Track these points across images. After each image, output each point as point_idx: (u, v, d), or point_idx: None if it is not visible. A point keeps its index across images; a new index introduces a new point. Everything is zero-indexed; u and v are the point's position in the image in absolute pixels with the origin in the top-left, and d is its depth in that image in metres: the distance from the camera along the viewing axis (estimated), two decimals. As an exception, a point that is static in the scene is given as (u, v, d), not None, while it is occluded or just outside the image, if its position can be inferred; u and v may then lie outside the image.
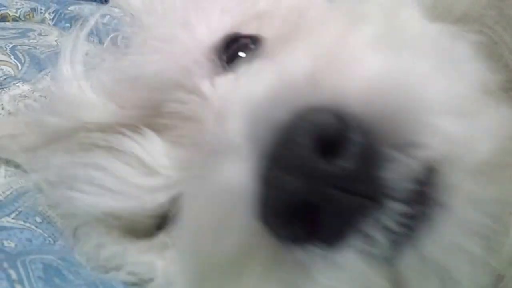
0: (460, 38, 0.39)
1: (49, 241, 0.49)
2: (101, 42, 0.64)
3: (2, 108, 0.62)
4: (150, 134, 0.45)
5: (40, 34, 0.89)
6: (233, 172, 0.31)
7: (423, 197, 0.30)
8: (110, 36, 0.63)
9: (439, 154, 0.30)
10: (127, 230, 0.46)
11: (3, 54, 0.76)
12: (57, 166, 0.48)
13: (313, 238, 0.29)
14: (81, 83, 0.50)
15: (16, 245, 0.48)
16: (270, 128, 0.30)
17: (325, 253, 0.30)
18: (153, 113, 0.46)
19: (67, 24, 1.01)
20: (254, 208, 0.30)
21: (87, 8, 1.09)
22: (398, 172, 0.29)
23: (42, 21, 1.03)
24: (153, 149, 0.44)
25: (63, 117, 0.49)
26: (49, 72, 0.70)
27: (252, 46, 0.44)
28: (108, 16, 0.74)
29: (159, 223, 0.44)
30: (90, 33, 0.62)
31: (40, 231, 0.50)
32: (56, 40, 0.86)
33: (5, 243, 0.48)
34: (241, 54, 0.43)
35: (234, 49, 0.44)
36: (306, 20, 0.44)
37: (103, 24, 0.70)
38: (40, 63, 0.75)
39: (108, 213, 0.45)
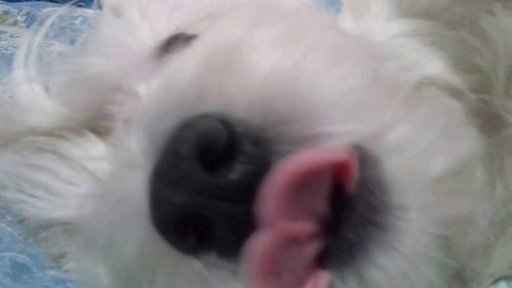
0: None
1: (19, 239, 0.49)
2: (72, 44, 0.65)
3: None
4: (92, 137, 0.45)
5: (11, 36, 0.88)
6: (130, 185, 0.31)
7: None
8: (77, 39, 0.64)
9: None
10: None
11: (-26, 55, 0.75)
12: (5, 168, 0.48)
13: (208, 248, 0.29)
14: (32, 87, 0.51)
15: None
16: (155, 139, 0.30)
17: (221, 263, 0.29)
18: (98, 116, 0.46)
19: (38, 27, 1.00)
20: (148, 222, 0.30)
21: (61, 10, 1.09)
22: None
23: (15, 23, 1.02)
24: (94, 153, 0.45)
25: (11, 122, 0.50)
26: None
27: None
28: (81, 18, 0.74)
29: None
30: (61, 34, 0.63)
31: (10, 229, 0.50)
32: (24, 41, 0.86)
33: None
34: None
35: (177, 49, 0.45)
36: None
37: (75, 25, 0.71)
38: (11, 64, 0.75)
39: (54, 219, 0.45)
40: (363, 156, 0.30)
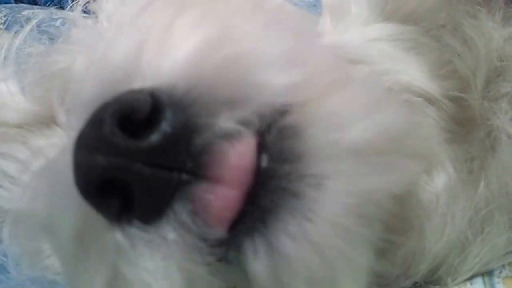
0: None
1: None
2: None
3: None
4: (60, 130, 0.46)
5: (-10, 38, 0.88)
6: (61, 160, 0.31)
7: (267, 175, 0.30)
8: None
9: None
10: None
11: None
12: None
13: (130, 216, 0.29)
14: (8, 86, 0.52)
15: None
16: (84, 108, 0.30)
17: (143, 232, 0.29)
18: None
19: (20, 29, 1.00)
20: (75, 191, 0.30)
21: (40, 13, 1.08)
22: (217, 144, 0.29)
23: (-7, 25, 1.01)
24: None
25: None
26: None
27: None
28: (61, 20, 0.74)
29: None
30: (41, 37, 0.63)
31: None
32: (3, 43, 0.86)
33: None
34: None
35: None
36: None
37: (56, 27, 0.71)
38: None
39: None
40: (282, 125, 0.30)
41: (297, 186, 0.29)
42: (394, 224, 0.36)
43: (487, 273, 0.41)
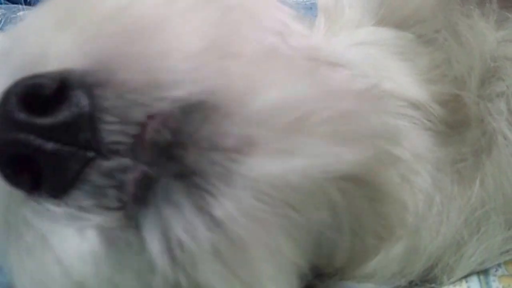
0: None
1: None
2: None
3: None
4: None
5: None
6: None
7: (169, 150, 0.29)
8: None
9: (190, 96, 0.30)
10: None
11: None
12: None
13: (38, 191, 0.30)
14: None
15: None
16: None
17: (53, 206, 0.30)
18: None
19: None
20: None
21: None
22: (121, 122, 0.30)
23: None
24: None
25: None
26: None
27: None
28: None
29: None
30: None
31: None
32: (1, 44, 0.85)
33: None
34: None
35: None
36: None
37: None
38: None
39: None
40: (188, 101, 0.30)
41: (200, 160, 0.29)
42: (366, 217, 0.35)
43: (483, 272, 0.42)
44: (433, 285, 0.42)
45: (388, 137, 0.37)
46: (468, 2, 0.45)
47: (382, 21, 0.50)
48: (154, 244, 0.29)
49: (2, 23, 1.03)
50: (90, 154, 0.30)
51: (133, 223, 0.29)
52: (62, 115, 0.29)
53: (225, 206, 0.28)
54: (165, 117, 0.30)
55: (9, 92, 0.30)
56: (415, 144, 0.42)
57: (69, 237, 0.30)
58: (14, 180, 0.30)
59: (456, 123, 0.44)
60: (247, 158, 0.29)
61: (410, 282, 0.42)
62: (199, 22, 0.32)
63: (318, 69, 0.35)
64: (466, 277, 0.42)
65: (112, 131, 0.29)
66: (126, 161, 0.29)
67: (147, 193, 0.29)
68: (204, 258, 0.29)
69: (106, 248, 0.30)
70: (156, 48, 0.31)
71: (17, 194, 0.31)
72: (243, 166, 0.29)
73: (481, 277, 0.42)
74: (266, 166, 0.29)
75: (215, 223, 0.28)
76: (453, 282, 0.42)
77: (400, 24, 0.49)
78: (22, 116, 0.29)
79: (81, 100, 0.29)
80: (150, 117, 0.29)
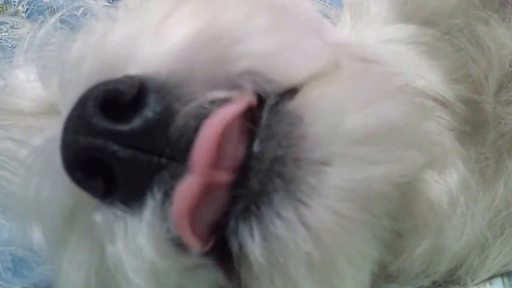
0: None
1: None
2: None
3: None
4: None
5: (12, 27, 0.88)
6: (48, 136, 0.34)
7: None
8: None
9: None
10: None
11: (-26, 48, 0.76)
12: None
13: (112, 197, 0.30)
14: (26, 72, 0.53)
15: None
16: (77, 90, 0.31)
17: (124, 213, 0.30)
18: None
19: (40, 16, 1.00)
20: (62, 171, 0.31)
21: (61, 0, 1.09)
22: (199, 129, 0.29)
23: (15, 13, 1.02)
24: None
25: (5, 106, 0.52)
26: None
27: None
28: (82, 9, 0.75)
29: None
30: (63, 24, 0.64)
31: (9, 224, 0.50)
32: (28, 33, 0.86)
33: None
34: None
35: None
36: None
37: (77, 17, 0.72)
38: (11, 57, 0.75)
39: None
40: (276, 107, 0.31)
41: (292, 170, 0.30)
42: (402, 218, 0.36)
43: (507, 274, 0.42)
44: (456, 286, 0.42)
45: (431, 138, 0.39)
46: (487, 7, 0.45)
47: (407, 18, 0.50)
48: (255, 248, 0.29)
49: (29, 11, 1.04)
50: (164, 161, 0.30)
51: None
52: (139, 122, 0.29)
53: (318, 215, 0.29)
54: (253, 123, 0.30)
55: (87, 96, 0.30)
56: (443, 143, 0.42)
57: (140, 246, 0.30)
58: (86, 184, 0.30)
59: (478, 123, 0.44)
60: (333, 169, 0.30)
61: (434, 283, 0.42)
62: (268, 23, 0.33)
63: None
64: (490, 279, 0.42)
65: (188, 140, 0.29)
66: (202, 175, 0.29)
67: (238, 205, 0.30)
68: (298, 263, 0.30)
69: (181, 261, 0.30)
70: (235, 53, 0.31)
71: (86, 198, 0.31)
72: (331, 177, 0.30)
73: (505, 279, 0.41)
74: (350, 175, 0.30)
75: (310, 232, 0.29)
76: (477, 284, 0.41)
77: (425, 21, 0.49)
78: (99, 121, 0.29)
79: (158, 108, 0.30)
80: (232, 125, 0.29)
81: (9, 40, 0.82)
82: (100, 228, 0.31)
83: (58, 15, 0.63)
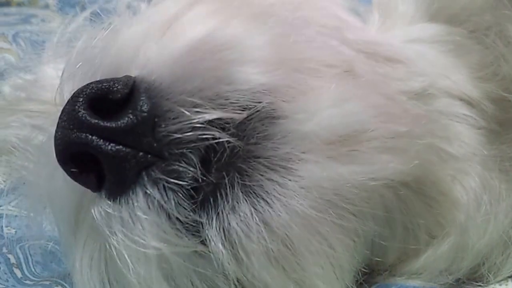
0: None
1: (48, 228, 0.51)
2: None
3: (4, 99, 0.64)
4: None
5: (43, 21, 0.90)
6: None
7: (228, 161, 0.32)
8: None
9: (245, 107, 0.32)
10: None
11: (5, 41, 0.77)
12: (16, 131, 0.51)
13: (102, 189, 0.32)
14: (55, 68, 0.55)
15: (16, 232, 0.51)
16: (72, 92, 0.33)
17: (116, 205, 0.32)
18: None
19: (72, 10, 1.01)
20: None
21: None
22: (187, 128, 0.31)
23: (46, 6, 1.03)
24: None
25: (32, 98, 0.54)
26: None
27: None
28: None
29: None
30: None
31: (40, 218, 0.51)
32: (58, 27, 0.87)
33: (6, 229, 0.51)
34: None
35: None
36: None
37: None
38: (42, 51, 0.76)
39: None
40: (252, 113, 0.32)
41: (256, 166, 0.31)
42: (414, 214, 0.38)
43: None
44: (479, 283, 0.42)
45: (442, 136, 0.40)
46: None
47: (435, 16, 0.50)
48: (217, 244, 0.31)
49: (60, 3, 1.05)
50: (151, 158, 0.31)
51: (190, 226, 0.32)
52: (126, 119, 0.31)
53: (278, 212, 0.31)
54: (224, 125, 0.31)
55: (78, 93, 0.32)
56: (469, 142, 0.43)
57: (127, 239, 0.32)
58: (79, 178, 0.32)
59: (507, 121, 0.44)
60: (300, 166, 0.31)
61: (457, 280, 0.42)
62: (271, 38, 0.34)
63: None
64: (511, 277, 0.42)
65: (173, 138, 0.31)
66: (185, 166, 0.31)
67: (205, 199, 0.31)
68: (259, 259, 0.32)
69: (165, 251, 0.32)
70: (227, 61, 0.32)
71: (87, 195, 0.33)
72: (295, 174, 0.31)
73: None
74: (316, 173, 0.32)
75: (268, 228, 0.31)
76: (499, 281, 0.42)
77: (452, 19, 0.49)
78: (86, 117, 0.31)
79: (146, 107, 0.31)
80: (211, 123, 0.31)
81: (40, 34, 0.83)
82: (99, 221, 0.33)
83: (89, 10, 0.64)
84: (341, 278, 0.36)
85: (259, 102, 0.32)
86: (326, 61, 0.37)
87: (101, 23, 0.60)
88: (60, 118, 0.32)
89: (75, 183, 0.33)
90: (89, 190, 0.33)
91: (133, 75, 0.32)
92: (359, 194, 0.33)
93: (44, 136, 0.47)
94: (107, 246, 0.33)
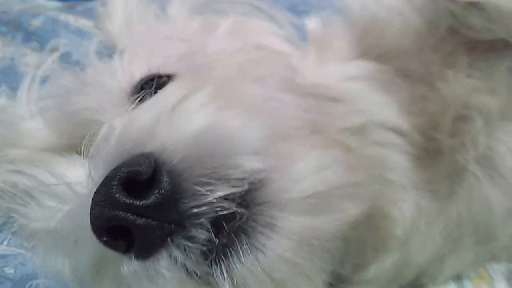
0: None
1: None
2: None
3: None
4: (80, 160, 0.52)
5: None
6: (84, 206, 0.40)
7: (230, 226, 0.38)
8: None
9: (245, 186, 0.39)
10: None
11: None
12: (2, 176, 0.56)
13: (131, 254, 0.38)
14: (33, 117, 0.60)
15: (15, 271, 0.54)
16: (104, 166, 0.39)
17: (142, 267, 0.38)
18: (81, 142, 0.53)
19: (4, 29, 0.98)
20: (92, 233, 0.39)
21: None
22: (203, 203, 0.38)
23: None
24: (78, 174, 0.50)
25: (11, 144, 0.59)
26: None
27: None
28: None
29: None
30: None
31: (30, 254, 0.55)
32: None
33: (6, 269, 0.54)
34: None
35: (153, 86, 0.52)
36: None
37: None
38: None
39: (39, 229, 0.51)
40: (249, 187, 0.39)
41: (254, 226, 0.39)
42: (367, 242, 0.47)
43: (457, 278, 0.51)
44: None
45: (384, 165, 0.48)
46: (441, 51, 0.52)
47: (365, 53, 0.57)
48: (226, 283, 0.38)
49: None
50: (174, 227, 0.38)
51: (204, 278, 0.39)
52: (153, 198, 0.37)
53: (271, 259, 0.39)
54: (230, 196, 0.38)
55: (112, 177, 0.38)
56: (403, 169, 0.50)
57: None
58: (111, 245, 0.38)
59: (433, 150, 0.52)
60: (286, 217, 0.39)
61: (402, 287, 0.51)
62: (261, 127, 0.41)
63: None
64: (445, 282, 0.51)
65: (192, 212, 0.38)
66: (201, 232, 0.38)
67: (217, 256, 0.38)
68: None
69: None
70: (225, 149, 0.39)
71: (113, 255, 0.39)
72: (282, 224, 0.39)
73: (457, 281, 0.51)
74: (298, 223, 0.39)
75: (267, 272, 0.39)
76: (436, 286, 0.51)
77: (380, 56, 0.56)
78: (121, 197, 0.37)
79: (170, 187, 0.38)
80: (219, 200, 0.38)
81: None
82: (128, 277, 0.39)
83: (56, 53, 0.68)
84: None
85: (257, 177, 0.39)
86: (296, 126, 0.44)
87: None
88: (96, 197, 0.38)
89: (97, 247, 0.39)
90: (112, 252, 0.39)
91: (152, 158, 0.38)
92: (328, 237, 0.41)
93: (28, 181, 0.52)
94: None
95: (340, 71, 0.57)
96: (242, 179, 0.39)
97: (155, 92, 0.47)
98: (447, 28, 0.52)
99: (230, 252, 0.38)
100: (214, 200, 0.38)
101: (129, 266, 0.39)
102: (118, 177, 0.37)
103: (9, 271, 0.54)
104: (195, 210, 0.38)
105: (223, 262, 0.38)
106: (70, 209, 0.44)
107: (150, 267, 0.38)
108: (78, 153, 0.51)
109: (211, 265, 0.38)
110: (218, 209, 0.38)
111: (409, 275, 0.51)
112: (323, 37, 0.62)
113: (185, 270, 0.38)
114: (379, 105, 0.54)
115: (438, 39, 0.53)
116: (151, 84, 0.53)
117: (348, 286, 0.50)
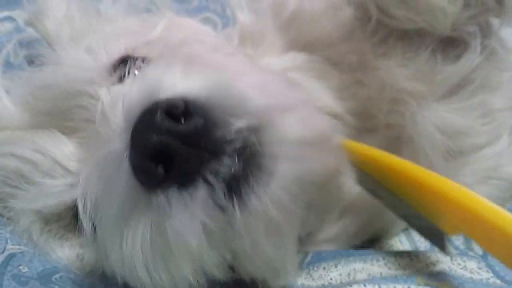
0: None
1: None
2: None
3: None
4: (61, 136, 0.53)
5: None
6: (113, 145, 0.42)
7: (252, 155, 0.41)
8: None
9: (257, 123, 0.41)
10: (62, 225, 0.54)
11: None
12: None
13: (169, 180, 0.40)
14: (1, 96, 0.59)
15: (29, 269, 0.52)
16: (138, 111, 0.41)
17: (178, 193, 0.40)
18: (63, 118, 0.54)
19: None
20: (126, 161, 0.41)
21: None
22: (229, 134, 0.40)
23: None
24: (62, 149, 0.52)
25: None
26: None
27: (141, 64, 0.53)
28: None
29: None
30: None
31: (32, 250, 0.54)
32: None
33: (21, 268, 0.52)
34: (134, 70, 0.52)
35: (128, 66, 0.53)
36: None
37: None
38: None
39: (35, 209, 0.52)
40: (257, 127, 0.42)
41: (262, 161, 0.41)
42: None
43: (406, 231, 0.60)
44: (377, 242, 0.60)
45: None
46: (373, 41, 0.58)
47: (293, 43, 0.62)
48: (236, 220, 0.41)
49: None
50: (209, 156, 0.40)
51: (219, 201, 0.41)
52: (191, 126, 0.40)
53: (261, 197, 0.41)
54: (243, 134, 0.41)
55: (155, 106, 0.40)
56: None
57: (195, 215, 0.40)
58: (152, 171, 0.40)
59: (365, 129, 0.59)
60: (279, 164, 0.42)
61: (363, 242, 0.59)
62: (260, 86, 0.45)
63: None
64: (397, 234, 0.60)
65: (218, 141, 0.40)
66: (227, 159, 0.40)
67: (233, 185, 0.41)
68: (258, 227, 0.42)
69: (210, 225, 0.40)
70: (238, 97, 0.43)
71: (141, 188, 0.41)
72: (276, 169, 0.42)
73: (406, 232, 0.60)
74: (287, 170, 0.42)
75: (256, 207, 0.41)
76: (389, 239, 0.60)
77: (308, 46, 0.61)
78: (167, 123, 0.39)
79: (201, 118, 0.40)
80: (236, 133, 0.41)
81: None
82: (160, 207, 0.40)
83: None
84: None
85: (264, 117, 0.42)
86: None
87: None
88: (138, 125, 0.40)
89: (128, 179, 0.41)
90: (142, 185, 0.41)
91: (181, 99, 0.41)
92: (315, 184, 0.44)
93: (17, 162, 0.52)
94: (165, 222, 0.41)
95: (278, 64, 0.62)
96: (255, 113, 0.42)
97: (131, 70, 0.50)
98: (376, 20, 0.57)
99: (246, 180, 0.41)
100: (241, 127, 0.41)
101: (163, 195, 0.40)
102: (158, 107, 0.40)
103: (24, 269, 0.51)
104: (227, 138, 0.40)
105: (239, 191, 0.41)
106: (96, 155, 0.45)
107: (186, 195, 0.40)
108: (56, 128, 0.53)
109: (233, 194, 0.41)
110: (244, 137, 0.41)
111: (369, 232, 0.58)
112: (256, 32, 0.66)
113: (215, 198, 0.40)
114: (316, 92, 0.59)
115: (370, 30, 0.58)
116: (130, 63, 0.54)
117: (312, 245, 0.55)
